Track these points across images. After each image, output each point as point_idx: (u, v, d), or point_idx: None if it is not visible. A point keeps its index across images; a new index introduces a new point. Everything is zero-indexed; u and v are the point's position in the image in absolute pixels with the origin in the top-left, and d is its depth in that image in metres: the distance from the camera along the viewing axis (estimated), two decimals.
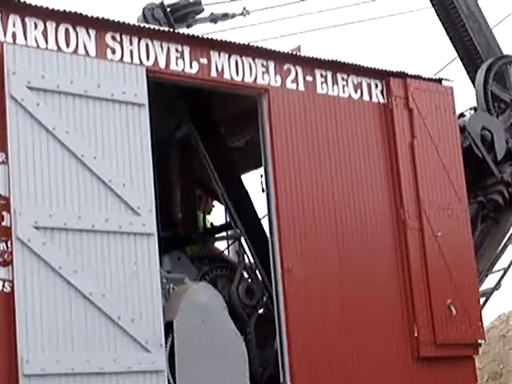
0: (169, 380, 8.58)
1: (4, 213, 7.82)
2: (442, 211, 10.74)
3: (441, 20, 13.09)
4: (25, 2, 8.28)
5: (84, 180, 8.31)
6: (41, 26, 8.41)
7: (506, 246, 12.78)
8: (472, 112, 12.66)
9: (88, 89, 8.48)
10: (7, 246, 7.78)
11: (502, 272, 12.63)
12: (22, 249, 7.82)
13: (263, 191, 10.03)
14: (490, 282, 12.44)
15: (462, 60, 13.05)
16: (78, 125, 8.38)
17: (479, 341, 10.97)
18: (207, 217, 12.22)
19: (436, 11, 13.04)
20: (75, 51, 8.56)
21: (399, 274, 10.37)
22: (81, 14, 8.61)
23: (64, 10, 8.49)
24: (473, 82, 12.96)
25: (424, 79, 11.15)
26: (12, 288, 7.72)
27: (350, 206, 10.21)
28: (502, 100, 12.93)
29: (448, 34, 13.12)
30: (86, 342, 8.02)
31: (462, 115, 12.40)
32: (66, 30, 8.54)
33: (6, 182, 7.87)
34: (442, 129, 11.11)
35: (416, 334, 10.22)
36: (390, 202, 10.47)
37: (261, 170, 10.11)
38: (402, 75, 10.85)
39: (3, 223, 7.81)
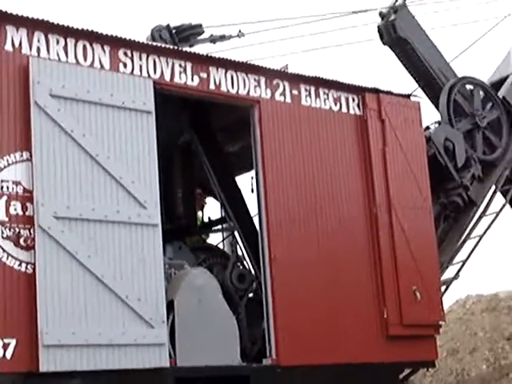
0: (170, 352, 8.55)
1: (28, 204, 7.84)
2: (409, 209, 10.76)
3: (400, 60, 13.11)
4: (48, 21, 8.34)
5: (98, 177, 8.32)
6: (62, 42, 8.45)
7: (464, 241, 12.82)
8: (436, 125, 12.67)
9: (102, 97, 8.50)
10: (30, 233, 7.80)
11: (460, 264, 12.66)
12: (43, 236, 7.83)
13: (252, 191, 10.07)
14: (450, 272, 12.46)
15: (422, 88, 13.04)
16: (94, 128, 8.40)
17: (440, 322, 10.96)
18: (204, 212, 12.25)
19: (394, 52, 13.06)
20: (91, 64, 8.59)
21: (371, 264, 10.38)
22: (97, 32, 8.66)
23: (82, 29, 8.56)
24: (434, 103, 12.96)
25: (395, 95, 11.17)
26: (34, 269, 7.74)
27: (330, 203, 10.21)
28: (463, 111, 12.96)
29: (407, 69, 13.15)
30: (98, 318, 8.04)
31: (427, 128, 12.40)
32: (84, 46, 8.58)
33: (30, 177, 7.89)
34: (410, 138, 11.13)
35: (386, 316, 10.24)
36: (365, 200, 10.49)
37: (252, 173, 10.11)
38: (376, 91, 10.88)
39: (27, 213, 7.83)
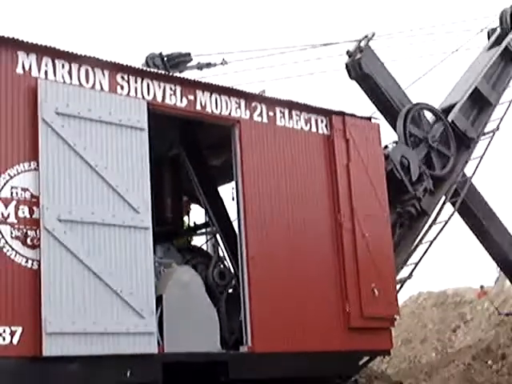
0: (158, 340, 8.54)
1: (34, 208, 7.84)
2: (369, 217, 10.77)
3: (365, 91, 13.21)
4: (55, 48, 8.37)
5: (97, 185, 8.33)
6: (67, 66, 8.46)
7: (417, 246, 12.91)
8: (394, 144, 12.75)
9: (102, 115, 8.50)
10: (36, 234, 7.81)
11: (413, 265, 12.74)
12: (48, 236, 7.84)
13: (233, 200, 10.08)
14: (404, 272, 12.53)
15: (382, 113, 13.12)
16: (93, 142, 8.40)
17: (395, 316, 10.98)
18: (190, 217, 12.24)
19: (359, 85, 13.15)
20: (93, 86, 8.60)
21: (336, 265, 10.38)
22: (98, 58, 8.67)
23: (85, 55, 8.57)
24: (392, 126, 13.04)
25: (358, 117, 11.20)
26: (39, 266, 7.76)
27: (300, 211, 10.21)
28: (416, 136, 13.07)
29: (370, 99, 13.25)
30: (95, 309, 8.03)
31: (386, 146, 12.47)
32: (86, 70, 8.59)
33: (37, 184, 7.90)
34: (371, 155, 11.14)
35: (348, 310, 10.24)
36: (330, 208, 10.50)
37: (232, 184, 10.10)
38: (342, 113, 10.91)
39: (34, 216, 7.84)
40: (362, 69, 12.86)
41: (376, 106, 13.09)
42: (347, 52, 12.91)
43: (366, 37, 12.95)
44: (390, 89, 13.21)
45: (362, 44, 12.87)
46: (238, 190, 9.78)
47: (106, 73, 8.74)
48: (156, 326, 8.51)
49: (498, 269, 26.29)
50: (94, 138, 8.41)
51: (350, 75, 13.02)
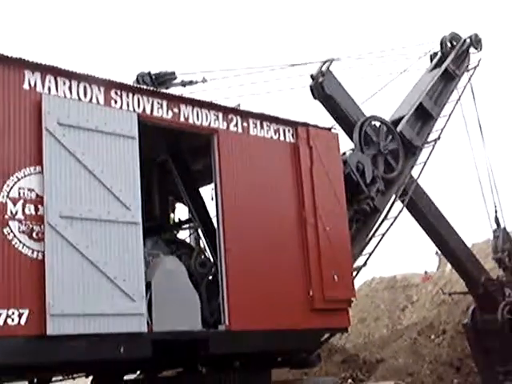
0: (147, 320, 8.50)
1: (39, 206, 7.80)
2: (330, 214, 10.78)
3: (327, 109, 13.16)
4: (57, 67, 8.36)
5: (94, 186, 8.29)
6: (67, 83, 8.43)
7: (370, 238, 12.91)
8: (351, 151, 12.77)
9: (98, 125, 8.46)
10: (40, 228, 7.77)
11: (367, 255, 12.74)
12: (51, 230, 7.80)
13: (212, 199, 10.06)
14: (360, 261, 12.54)
15: (340, 126, 13.12)
16: (91, 149, 8.36)
17: (352, 298, 11.00)
18: (175, 214, 12.19)
19: (322, 105, 13.12)
20: (90, 100, 8.56)
21: (301, 255, 10.37)
22: (94, 76, 8.64)
23: (84, 73, 8.55)
24: (349, 136, 13.04)
25: (320, 128, 11.22)
26: (43, 256, 7.72)
27: (271, 208, 10.21)
28: (370, 144, 13.10)
29: (331, 115, 13.18)
30: (92, 293, 8.00)
31: (344, 153, 12.49)
32: (85, 87, 8.55)
33: (41, 185, 7.86)
34: (331, 160, 11.15)
35: (311, 294, 10.24)
36: (297, 206, 10.49)
37: (212, 185, 10.08)
38: (306, 125, 10.92)
39: (38, 213, 7.80)
40: (324, 90, 12.83)
41: (336, 120, 13.07)
42: (311, 76, 12.88)
43: (327, 62, 12.96)
44: (348, 106, 13.23)
45: (324, 68, 12.85)
46: (217, 191, 9.76)
47: (102, 89, 8.69)
48: (145, 309, 8.46)
49: (438, 256, 26.58)
50: (91, 146, 8.36)
51: (313, 96, 12.98)
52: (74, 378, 10.20)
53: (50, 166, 7.94)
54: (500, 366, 16.11)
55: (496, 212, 16.70)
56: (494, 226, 16.82)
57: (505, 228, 16.82)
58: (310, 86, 12.93)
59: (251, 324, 9.47)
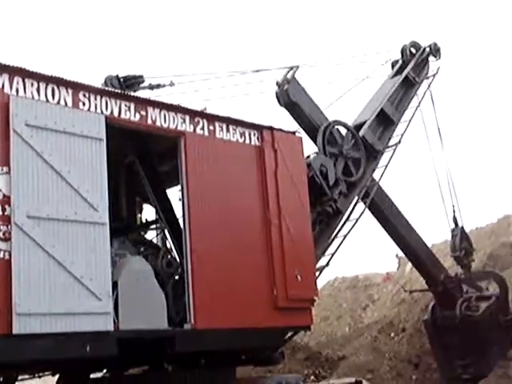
0: (114, 319, 8.42)
1: (6, 206, 7.68)
2: (294, 215, 10.78)
3: (292, 115, 13.13)
4: (25, 69, 8.22)
5: (61, 186, 8.18)
6: (35, 84, 8.30)
7: (333, 239, 12.96)
8: (315, 155, 12.81)
9: (66, 127, 8.36)
10: (7, 228, 7.64)
11: (330, 256, 12.79)
12: (18, 230, 7.69)
13: (179, 200, 10.01)
14: (323, 261, 12.59)
15: (305, 130, 13.14)
16: (59, 150, 8.25)
17: (314, 297, 11.03)
18: (142, 214, 12.09)
19: (287, 111, 13.09)
20: (58, 102, 8.45)
21: (265, 255, 10.35)
22: (63, 78, 8.54)
23: (52, 76, 8.44)
24: (313, 140, 13.06)
25: (284, 131, 11.23)
26: (10, 256, 7.59)
27: (236, 210, 10.20)
28: (333, 147, 13.15)
29: (296, 120, 13.10)
30: (59, 292, 7.89)
31: (308, 156, 12.52)
32: (53, 88, 8.44)
33: (8, 186, 7.73)
34: (295, 163, 11.17)
35: (275, 293, 10.24)
36: (261, 207, 10.48)
37: (179, 187, 10.02)
38: (271, 128, 10.91)
39: (5, 213, 7.67)
40: (290, 98, 12.85)
41: (300, 125, 13.06)
42: (276, 83, 12.89)
43: (292, 69, 12.98)
44: (312, 112, 13.25)
45: (289, 76, 12.87)
46: (184, 192, 9.70)
47: (70, 91, 8.58)
48: (112, 307, 8.39)
49: (398, 258, 26.84)
50: (58, 147, 8.25)
51: (279, 103, 12.98)
52: (40, 377, 10.07)
53: (17, 166, 7.81)
54: (459, 360, 16.35)
55: (454, 212, 16.95)
56: (453, 226, 17.07)
57: (462, 227, 17.08)
58: (276, 93, 12.94)
59: (216, 322, 9.44)
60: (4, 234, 7.60)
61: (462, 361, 16.23)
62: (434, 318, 16.81)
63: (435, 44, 16.84)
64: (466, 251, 17.07)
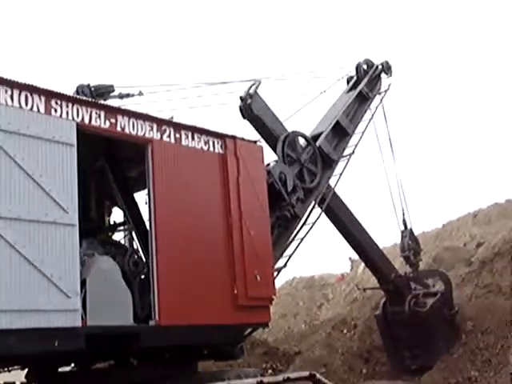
0: (82, 315, 8.32)
1: None
2: (254, 219, 10.77)
3: (254, 127, 13.11)
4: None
5: (33, 189, 8.06)
6: (9, 91, 8.16)
7: (291, 242, 13.00)
8: (274, 163, 12.83)
9: (38, 132, 8.25)
10: None
11: (288, 257, 12.83)
12: None
13: (146, 204, 9.93)
14: (281, 262, 12.61)
15: (266, 141, 13.11)
16: (31, 154, 8.14)
17: (272, 296, 11.02)
18: (111, 217, 11.96)
19: (250, 123, 13.11)
20: (31, 109, 8.32)
21: (227, 256, 10.32)
22: (36, 86, 8.42)
23: (25, 83, 8.31)
24: (273, 150, 13.09)
25: (246, 140, 11.23)
26: None
27: (200, 213, 10.14)
28: (291, 156, 13.22)
29: (258, 132, 13.10)
30: (29, 290, 7.78)
31: (268, 164, 12.54)
32: (26, 95, 8.30)
33: None
34: (256, 170, 11.16)
35: (235, 292, 10.21)
36: (224, 211, 10.44)
37: (146, 191, 9.93)
38: (233, 137, 10.90)
39: None
40: (253, 111, 12.87)
41: (262, 136, 13.03)
42: (240, 98, 12.88)
43: (254, 84, 12.99)
44: (273, 124, 13.29)
45: (251, 91, 12.88)
46: (150, 196, 9.62)
47: (43, 98, 8.46)
48: (80, 305, 8.29)
49: (351, 260, 27.04)
50: (31, 151, 8.13)
51: (243, 116, 12.98)
52: (9, 371, 9.88)
53: None
54: (407, 352, 16.58)
55: (404, 215, 17.23)
56: (402, 228, 17.31)
57: (411, 229, 17.37)
58: (240, 107, 12.93)
59: (179, 319, 9.38)
60: None
61: (410, 352, 16.48)
62: (385, 314, 17.07)
63: (387, 62, 17.10)
64: (414, 251, 17.40)
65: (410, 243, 17.24)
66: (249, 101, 12.80)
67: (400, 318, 16.50)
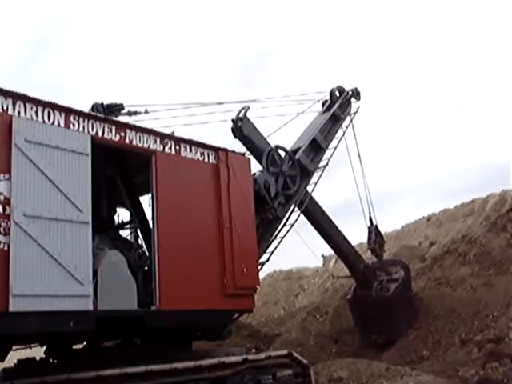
0: (93, 301, 8.33)
1: (7, 206, 7.55)
2: (242, 220, 10.80)
3: (244, 145, 13.04)
4: (26, 95, 8.10)
5: (53, 191, 8.06)
6: (34, 108, 8.17)
7: (272, 240, 13.03)
8: (260, 172, 12.88)
9: (58, 143, 8.26)
10: (7, 224, 7.51)
11: (270, 253, 12.87)
12: (16, 226, 7.56)
13: (149, 205, 9.94)
14: (264, 257, 12.65)
15: (253, 155, 13.07)
16: (52, 162, 8.14)
17: (256, 286, 11.04)
18: (119, 216, 11.91)
19: (241, 142, 13.05)
20: (53, 123, 8.33)
21: (218, 251, 10.33)
22: (57, 104, 8.44)
23: (47, 101, 8.33)
24: (259, 162, 13.10)
25: (236, 153, 11.27)
26: (8, 247, 7.45)
27: (196, 215, 10.16)
28: (274, 167, 13.25)
29: (247, 148, 12.99)
30: (48, 278, 7.78)
31: (255, 173, 12.58)
32: (48, 112, 8.32)
33: (9, 190, 7.60)
34: (244, 179, 11.18)
35: (225, 282, 10.23)
36: (216, 213, 10.45)
37: (150, 195, 9.92)
38: (225, 150, 10.92)
39: (6, 212, 7.55)
40: (243, 132, 12.91)
41: (249, 151, 12.94)
42: (232, 120, 12.90)
43: (244, 109, 13.04)
44: (260, 141, 13.31)
45: (241, 115, 12.92)
46: (153, 199, 9.62)
47: (63, 114, 8.47)
48: (92, 291, 8.29)
49: (323, 256, 27.06)
50: (52, 159, 8.13)
51: (234, 136, 12.99)
52: (30, 348, 9.82)
53: (17, 174, 7.68)
54: (374, 329, 16.75)
55: (370, 214, 17.37)
56: (369, 224, 17.47)
57: (376, 225, 17.52)
58: (232, 129, 12.95)
59: (177, 304, 9.38)
60: (4, 229, 7.46)
61: (377, 329, 16.65)
62: (355, 297, 17.33)
63: (356, 88, 17.24)
64: (379, 244, 17.61)
65: (376, 237, 17.43)
66: (239, 124, 12.85)
67: (368, 301, 16.74)
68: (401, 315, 16.80)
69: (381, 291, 16.72)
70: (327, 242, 16.22)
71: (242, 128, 12.89)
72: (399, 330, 16.52)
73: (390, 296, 16.63)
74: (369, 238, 17.48)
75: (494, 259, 17.39)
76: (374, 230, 17.41)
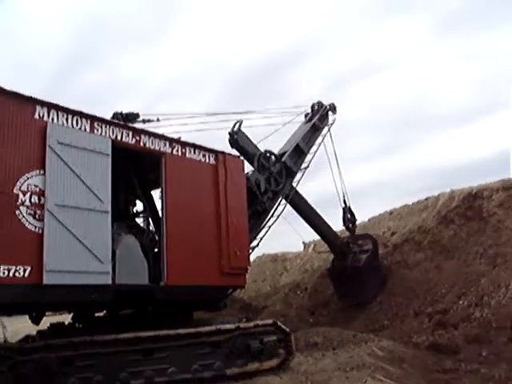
0: (112, 276, 8.40)
1: (41, 197, 7.64)
2: (236, 211, 10.75)
3: (239, 152, 12.85)
4: (58, 105, 8.17)
5: (80, 185, 8.15)
6: (64, 115, 8.25)
7: (261, 228, 13.09)
8: (252, 172, 12.96)
9: (84, 145, 8.34)
10: (41, 212, 7.63)
11: (259, 239, 12.93)
12: (49, 214, 7.65)
13: (159, 198, 9.97)
14: (254, 243, 12.70)
15: (246, 158, 13.08)
16: (80, 160, 8.22)
17: (248, 267, 11.06)
18: (134, 206, 11.94)
19: (237, 150, 12.94)
20: (80, 128, 8.40)
21: (217, 237, 10.36)
22: (83, 112, 8.49)
23: (76, 110, 8.39)
24: (251, 164, 13.14)
25: (232, 155, 11.29)
26: (42, 231, 7.54)
27: (198, 206, 10.18)
28: (264, 168, 13.33)
29: (242, 154, 12.78)
30: (75, 257, 7.86)
31: (247, 173, 12.65)
32: (77, 119, 8.39)
33: (44, 183, 7.69)
34: (238, 177, 11.20)
35: (222, 263, 10.26)
36: (215, 205, 10.48)
37: (159, 189, 9.96)
38: (223, 153, 10.95)
39: (41, 202, 7.64)
40: (238, 143, 12.96)
41: (243, 156, 12.96)
42: (229, 133, 12.94)
43: (239, 122, 13.09)
44: (252, 149, 13.33)
45: (236, 128, 12.97)
46: (163, 193, 9.68)
47: (89, 121, 8.54)
48: (111, 268, 8.38)
49: (304, 242, 27.15)
50: (79, 158, 8.21)
51: (231, 146, 13.01)
52: (60, 314, 9.89)
53: (50, 170, 7.77)
54: (350, 292, 16.96)
55: (344, 197, 17.51)
56: (343, 205, 17.61)
57: (350, 206, 17.68)
58: (229, 140, 12.96)
59: (182, 281, 9.46)
60: (39, 216, 7.56)
61: (352, 292, 16.85)
62: (333, 267, 17.61)
63: (333, 103, 17.36)
64: (352, 222, 17.78)
65: (349, 216, 17.64)
66: (235, 136, 12.92)
67: (344, 270, 16.98)
68: (371, 280, 17.07)
69: (354, 261, 17.02)
70: (310, 225, 16.34)
71: (237, 140, 12.98)
72: (370, 291, 16.81)
73: (362, 265, 16.92)
74: (344, 217, 17.71)
75: (443, 247, 17.59)
76: (347, 210, 17.64)
